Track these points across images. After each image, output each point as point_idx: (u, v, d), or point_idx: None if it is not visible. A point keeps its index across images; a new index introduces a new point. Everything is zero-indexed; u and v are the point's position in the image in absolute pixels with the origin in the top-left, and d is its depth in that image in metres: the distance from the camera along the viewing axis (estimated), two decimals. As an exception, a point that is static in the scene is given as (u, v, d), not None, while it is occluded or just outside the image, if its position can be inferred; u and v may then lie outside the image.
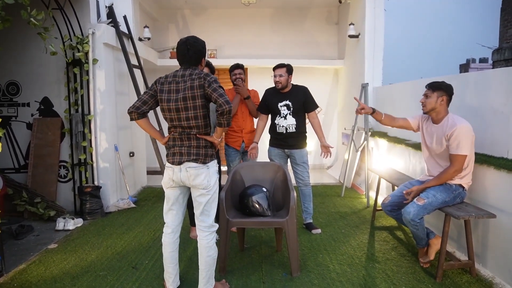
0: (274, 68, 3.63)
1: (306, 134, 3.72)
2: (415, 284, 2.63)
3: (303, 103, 3.61)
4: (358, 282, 2.67)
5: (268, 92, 3.73)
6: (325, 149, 3.64)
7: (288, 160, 3.74)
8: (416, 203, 2.71)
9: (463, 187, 2.76)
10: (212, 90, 2.21)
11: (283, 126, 3.59)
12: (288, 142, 3.61)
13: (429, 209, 2.70)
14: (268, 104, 3.66)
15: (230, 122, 2.28)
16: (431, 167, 2.93)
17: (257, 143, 3.68)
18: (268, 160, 3.69)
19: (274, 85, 3.65)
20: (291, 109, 3.57)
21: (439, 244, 2.79)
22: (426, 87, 2.85)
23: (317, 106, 3.72)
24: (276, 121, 3.63)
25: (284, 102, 3.59)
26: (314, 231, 3.65)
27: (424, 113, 2.88)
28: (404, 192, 2.88)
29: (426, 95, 2.82)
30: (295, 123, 3.58)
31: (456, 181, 2.75)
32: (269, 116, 3.75)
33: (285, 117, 3.58)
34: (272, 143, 3.72)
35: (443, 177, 2.73)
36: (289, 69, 3.59)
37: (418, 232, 2.79)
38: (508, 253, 2.53)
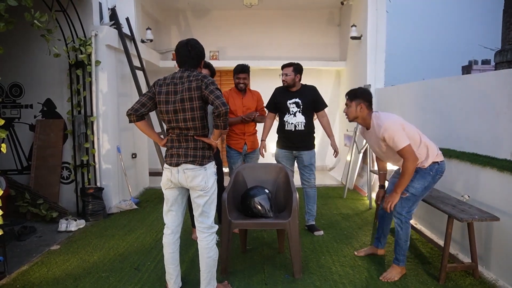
0: (282, 67, 3.66)
1: (315, 134, 3.71)
2: (417, 286, 2.62)
3: (312, 102, 3.63)
4: (360, 284, 2.66)
5: (278, 90, 3.75)
6: (334, 147, 3.68)
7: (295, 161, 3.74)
8: (401, 196, 2.67)
9: (437, 162, 2.69)
10: (209, 92, 2.22)
11: (292, 123, 3.58)
12: (296, 142, 3.61)
13: (413, 200, 2.66)
14: (277, 102, 3.67)
15: (227, 124, 2.28)
16: (393, 162, 2.86)
17: (265, 141, 3.74)
18: (273, 162, 3.68)
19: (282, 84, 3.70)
20: (301, 106, 3.58)
21: (399, 274, 2.72)
22: (345, 96, 2.82)
23: (326, 106, 3.73)
24: (284, 119, 3.61)
25: (293, 100, 3.59)
26: (316, 233, 3.64)
27: (350, 121, 2.84)
28: (383, 207, 2.82)
29: (346, 105, 2.79)
30: (304, 121, 3.58)
31: (426, 163, 2.68)
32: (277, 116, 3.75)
33: (294, 114, 3.59)
34: (280, 145, 3.71)
35: (407, 173, 2.59)
36: (295, 68, 3.60)
37: (402, 233, 2.68)
38: (511, 255, 2.52)
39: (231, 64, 6.45)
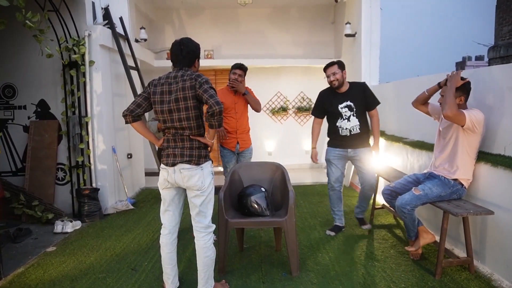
0: (325, 69, 3.41)
1: (370, 132, 3.54)
2: (414, 281, 2.64)
3: (364, 101, 3.40)
4: (357, 281, 2.68)
5: (324, 94, 3.54)
6: (375, 149, 3.52)
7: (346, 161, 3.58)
8: (412, 192, 2.81)
9: (462, 184, 2.78)
10: (203, 91, 2.22)
11: (346, 128, 3.39)
12: (352, 142, 3.43)
13: (422, 200, 2.77)
14: (327, 107, 3.46)
15: (221, 123, 2.29)
16: (439, 150, 2.92)
17: (316, 148, 3.62)
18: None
19: (328, 86, 3.49)
20: (354, 109, 3.36)
21: (427, 237, 2.89)
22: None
23: (378, 103, 3.51)
24: (338, 124, 3.41)
25: (345, 103, 3.37)
26: (364, 227, 3.68)
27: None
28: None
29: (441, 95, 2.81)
30: (358, 124, 3.38)
31: (455, 175, 2.76)
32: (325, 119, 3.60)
33: (348, 119, 3.38)
34: (332, 144, 3.52)
35: (455, 104, 2.61)
36: (340, 65, 3.38)
37: (406, 220, 2.87)
38: (506, 249, 2.54)
39: (226, 63, 6.45)
